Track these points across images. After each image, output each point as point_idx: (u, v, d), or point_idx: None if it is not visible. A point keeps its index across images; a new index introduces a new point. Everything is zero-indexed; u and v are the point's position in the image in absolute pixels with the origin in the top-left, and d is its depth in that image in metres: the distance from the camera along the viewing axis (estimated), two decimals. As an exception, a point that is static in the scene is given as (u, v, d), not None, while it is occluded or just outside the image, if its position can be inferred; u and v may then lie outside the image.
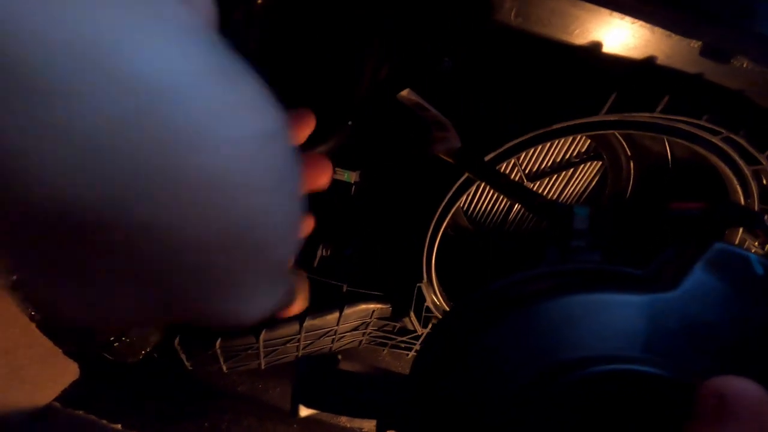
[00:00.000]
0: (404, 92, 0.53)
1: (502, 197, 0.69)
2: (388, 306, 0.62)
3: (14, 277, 0.41)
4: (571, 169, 0.66)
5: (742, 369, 0.23)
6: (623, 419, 0.23)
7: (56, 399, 0.47)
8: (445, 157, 0.51)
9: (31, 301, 0.41)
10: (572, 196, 0.68)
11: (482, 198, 0.70)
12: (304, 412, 0.37)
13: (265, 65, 0.52)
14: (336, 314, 0.58)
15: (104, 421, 0.47)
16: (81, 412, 0.46)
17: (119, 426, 0.47)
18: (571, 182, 0.67)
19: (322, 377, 0.39)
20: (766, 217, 0.47)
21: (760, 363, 0.24)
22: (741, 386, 0.19)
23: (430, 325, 0.62)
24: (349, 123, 0.57)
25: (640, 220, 0.61)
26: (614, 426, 0.23)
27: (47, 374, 0.47)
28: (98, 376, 0.51)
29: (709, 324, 0.25)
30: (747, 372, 0.23)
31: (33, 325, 0.44)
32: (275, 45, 0.52)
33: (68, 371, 0.49)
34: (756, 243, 0.51)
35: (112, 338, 0.47)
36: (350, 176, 0.62)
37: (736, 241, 0.52)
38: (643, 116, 0.47)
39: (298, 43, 0.53)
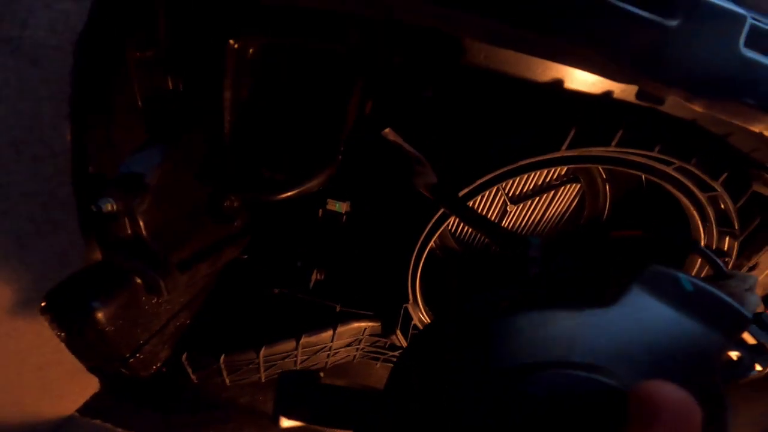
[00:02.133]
0: (386, 130, 0.59)
1: (487, 219, 0.72)
2: (379, 324, 0.67)
3: (43, 304, 0.48)
4: (552, 192, 0.69)
5: (671, 375, 0.27)
6: (566, 420, 0.26)
7: (77, 410, 0.53)
8: (423, 191, 0.56)
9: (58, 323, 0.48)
10: (554, 218, 0.72)
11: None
12: (286, 423, 0.41)
13: (258, 108, 0.59)
14: (330, 332, 0.63)
15: (119, 430, 0.53)
16: (98, 421, 0.53)
17: (132, 434, 0.53)
18: (553, 204, 0.70)
19: (303, 389, 0.44)
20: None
21: (689, 369, 0.27)
22: (665, 390, 0.21)
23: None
24: (339, 157, 0.63)
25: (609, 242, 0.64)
26: (559, 426, 0.26)
27: (72, 388, 0.53)
28: (116, 390, 0.57)
29: (643, 335, 0.28)
30: (676, 378, 0.26)
31: (63, 345, 0.51)
32: (267, 89, 0.58)
33: (90, 385, 0.56)
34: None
35: (127, 354, 0.54)
36: (341, 206, 0.67)
37: (696, 265, 0.54)
38: (599, 150, 0.50)
39: (288, 84, 0.59)
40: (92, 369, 0.55)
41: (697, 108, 0.40)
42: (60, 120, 0.41)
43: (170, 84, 0.53)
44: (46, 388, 0.49)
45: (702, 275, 0.57)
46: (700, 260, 0.54)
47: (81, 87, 0.42)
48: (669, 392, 0.21)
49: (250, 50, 0.50)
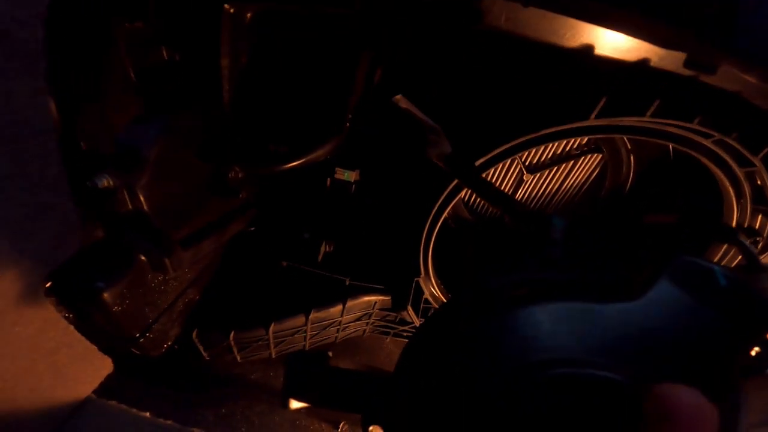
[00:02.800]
0: (398, 97, 0.55)
1: (503, 190, 0.69)
2: (390, 297, 0.66)
3: (47, 285, 0.46)
4: (572, 162, 0.66)
5: (697, 375, 0.25)
6: (584, 418, 0.26)
7: (93, 391, 0.54)
8: (437, 162, 0.52)
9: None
10: (572, 188, 0.68)
11: (483, 190, 0.71)
12: (295, 405, 0.41)
13: (260, 76, 0.55)
14: (339, 307, 0.62)
15: (134, 410, 0.54)
16: (114, 402, 0.53)
17: (147, 414, 0.54)
18: (572, 174, 0.67)
19: (312, 372, 0.43)
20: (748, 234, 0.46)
21: (710, 368, 0.26)
22: (683, 394, 0.21)
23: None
24: (347, 125, 0.59)
25: (634, 218, 0.61)
26: (577, 424, 0.25)
27: (86, 370, 0.53)
28: (129, 370, 0.58)
29: (668, 332, 0.26)
30: (697, 376, 0.25)
31: (72, 327, 0.50)
32: (269, 56, 0.53)
33: (104, 366, 0.56)
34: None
35: (137, 334, 0.53)
36: (350, 175, 0.64)
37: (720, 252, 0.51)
38: (632, 120, 0.46)
39: (291, 51, 0.54)
40: (104, 349, 0.55)
41: (752, 79, 0.36)
42: (36, 97, 0.37)
43: (165, 55, 0.49)
44: (59, 372, 0.49)
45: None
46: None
47: (58, 62, 0.38)
48: (687, 396, 0.21)
49: (248, 15, 0.46)
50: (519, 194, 0.69)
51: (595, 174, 0.67)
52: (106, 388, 0.56)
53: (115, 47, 0.44)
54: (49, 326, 0.47)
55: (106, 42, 0.43)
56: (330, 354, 0.48)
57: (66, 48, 0.39)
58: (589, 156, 0.65)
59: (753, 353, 0.30)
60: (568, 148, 0.65)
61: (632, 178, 0.65)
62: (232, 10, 0.45)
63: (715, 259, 0.51)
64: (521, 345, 0.27)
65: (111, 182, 0.43)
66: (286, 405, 0.44)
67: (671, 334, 0.26)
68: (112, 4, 0.42)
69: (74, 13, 0.38)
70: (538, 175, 0.67)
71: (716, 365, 0.26)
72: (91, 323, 0.51)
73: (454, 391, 0.28)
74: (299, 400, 0.44)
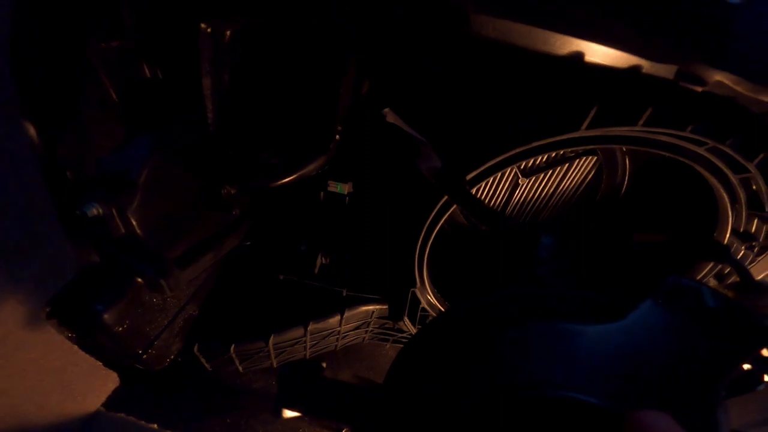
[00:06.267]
0: (385, 110, 0.54)
1: (499, 194, 0.69)
2: (387, 306, 0.67)
3: (48, 309, 0.47)
4: (567, 164, 0.65)
5: (677, 397, 0.26)
6: None
7: (101, 405, 0.56)
8: (426, 176, 0.52)
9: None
10: (568, 191, 0.68)
11: (479, 195, 0.70)
12: (288, 414, 0.43)
13: (247, 93, 0.54)
14: (337, 317, 0.63)
15: (142, 422, 0.56)
16: (122, 414, 0.56)
17: (155, 425, 0.56)
18: (567, 177, 0.66)
19: (304, 382, 0.44)
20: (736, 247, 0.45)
21: (698, 391, 0.26)
22: (654, 421, 0.21)
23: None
24: (337, 137, 0.59)
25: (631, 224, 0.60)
26: None
27: (93, 385, 0.55)
28: (135, 383, 0.60)
29: (650, 354, 0.27)
30: (681, 399, 0.25)
31: (75, 347, 0.52)
32: (254, 73, 0.53)
33: (110, 380, 0.58)
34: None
35: (140, 351, 0.55)
36: (343, 188, 0.64)
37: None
38: (623, 130, 0.45)
39: (274, 65, 0.54)
40: (109, 364, 0.57)
41: (744, 90, 0.35)
42: (12, 127, 0.37)
43: (147, 72, 0.49)
44: (67, 389, 0.51)
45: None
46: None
47: (31, 89, 0.38)
48: (661, 424, 0.21)
49: (227, 33, 0.45)
50: (515, 198, 0.68)
51: (590, 176, 0.66)
52: (113, 402, 0.58)
53: (91, 69, 0.44)
54: (54, 348, 0.49)
55: (81, 65, 0.43)
56: (324, 365, 0.49)
57: (37, 75, 0.38)
58: (584, 158, 0.64)
59: (744, 369, 0.30)
60: (563, 152, 0.64)
61: (628, 180, 0.64)
62: (209, 29, 0.44)
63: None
64: (502, 365, 0.28)
65: (99, 210, 0.43)
66: (278, 414, 0.45)
67: (653, 355, 0.26)
68: (83, 25, 0.42)
69: (40, 38, 0.38)
70: (534, 178, 0.66)
71: (698, 387, 0.26)
72: (94, 343, 0.53)
73: (436, 406, 0.29)
74: (291, 409, 0.45)
